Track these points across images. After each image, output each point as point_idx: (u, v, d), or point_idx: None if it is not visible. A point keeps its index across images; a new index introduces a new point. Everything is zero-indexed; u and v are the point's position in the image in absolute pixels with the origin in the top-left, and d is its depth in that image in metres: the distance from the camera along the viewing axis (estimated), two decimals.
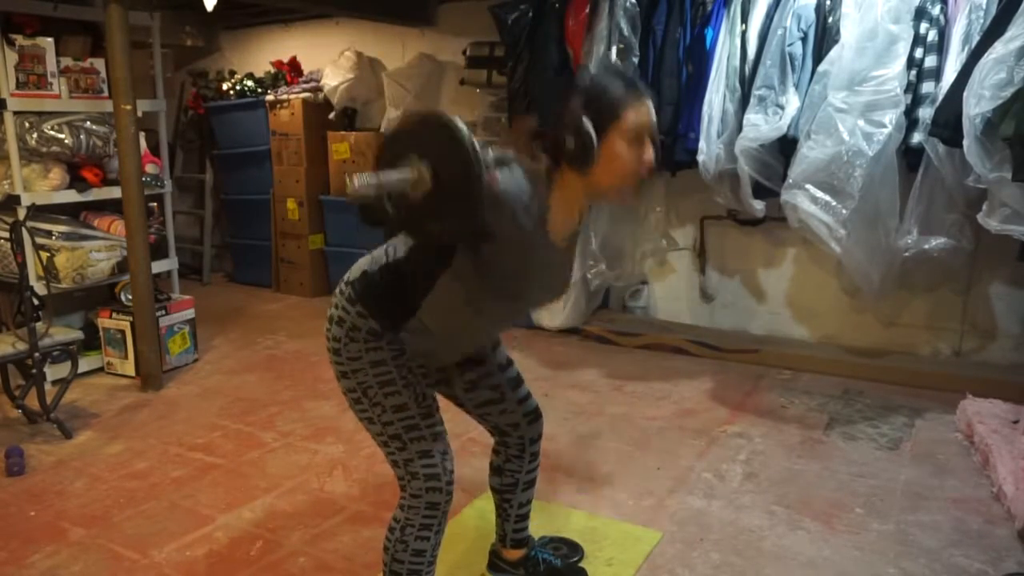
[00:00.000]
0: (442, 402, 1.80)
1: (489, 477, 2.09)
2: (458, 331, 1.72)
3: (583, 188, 1.58)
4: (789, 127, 3.26)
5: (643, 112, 1.55)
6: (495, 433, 2.03)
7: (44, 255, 3.48)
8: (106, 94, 3.77)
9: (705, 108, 3.50)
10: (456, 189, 1.28)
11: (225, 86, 5.70)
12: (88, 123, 3.72)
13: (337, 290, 1.70)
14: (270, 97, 5.37)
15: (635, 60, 3.62)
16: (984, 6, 2.94)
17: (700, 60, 3.55)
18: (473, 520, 2.44)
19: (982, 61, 2.72)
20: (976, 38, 2.92)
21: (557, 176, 1.57)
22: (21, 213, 3.43)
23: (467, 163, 1.27)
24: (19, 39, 3.48)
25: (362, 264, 1.69)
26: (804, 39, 3.29)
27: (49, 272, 3.52)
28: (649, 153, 1.56)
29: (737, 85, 3.45)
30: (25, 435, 3.14)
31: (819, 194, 3.14)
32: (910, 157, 3.23)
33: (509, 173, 1.45)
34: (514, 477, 2.05)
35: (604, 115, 1.50)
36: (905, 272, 3.48)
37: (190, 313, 4.04)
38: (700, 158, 3.51)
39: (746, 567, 2.19)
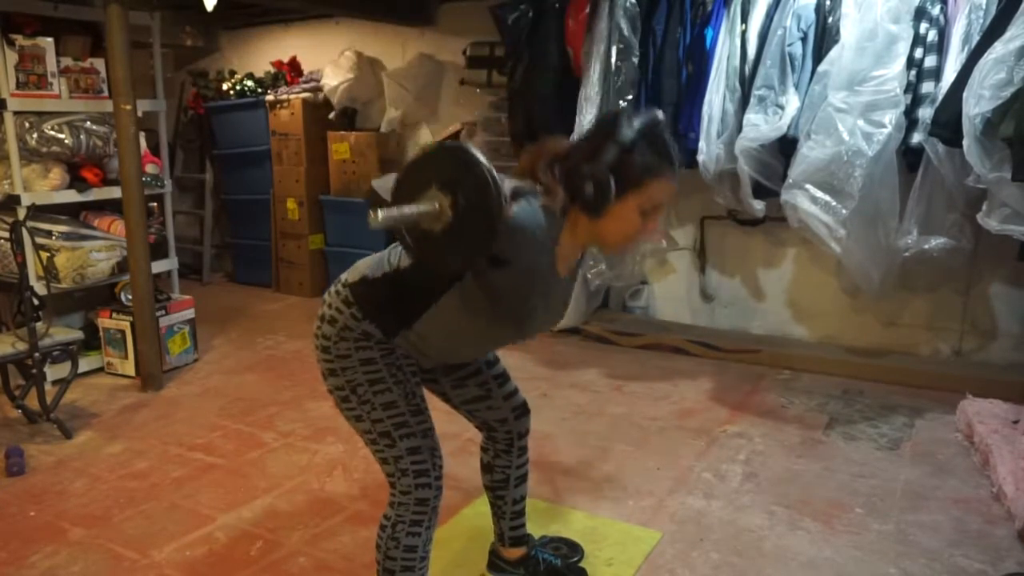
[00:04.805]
0: (431, 401, 1.80)
1: (481, 475, 2.10)
2: (455, 346, 1.74)
3: (587, 231, 1.59)
4: (789, 127, 3.26)
5: (666, 189, 1.55)
6: (483, 429, 2.04)
7: (44, 255, 3.48)
8: (106, 94, 3.77)
9: (705, 108, 3.50)
10: (476, 224, 1.29)
11: (225, 86, 5.70)
12: (88, 123, 3.72)
13: (332, 289, 1.70)
14: (270, 97, 5.37)
15: (635, 60, 3.63)
16: (984, 6, 2.94)
17: (700, 60, 3.55)
18: (472, 520, 2.44)
19: (982, 61, 2.72)
20: (976, 38, 2.92)
21: (569, 214, 1.57)
22: (21, 213, 3.43)
23: (488, 199, 1.27)
24: (19, 39, 3.48)
25: (362, 268, 1.69)
26: (804, 39, 3.29)
27: (49, 272, 3.52)
28: (656, 225, 1.58)
29: (737, 85, 3.45)
30: (25, 435, 3.13)
31: (819, 194, 3.15)
32: (910, 157, 3.23)
33: (527, 206, 1.45)
34: (504, 473, 2.06)
35: (629, 178, 1.49)
36: (905, 272, 3.48)
37: (190, 313, 4.04)
38: (700, 158, 3.51)
39: (746, 567, 2.19)
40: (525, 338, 1.79)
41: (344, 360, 1.64)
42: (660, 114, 1.54)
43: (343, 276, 1.71)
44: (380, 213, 1.22)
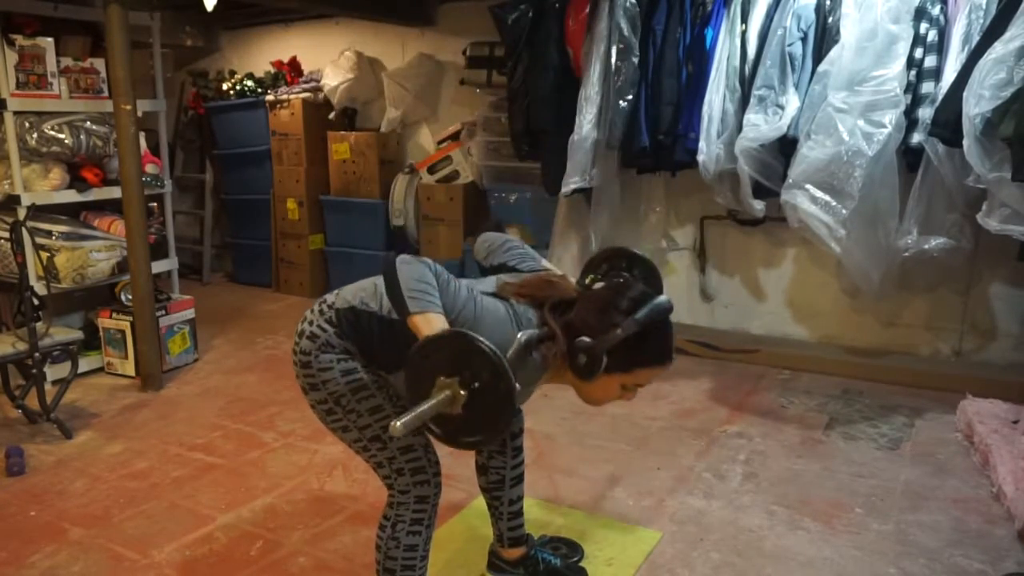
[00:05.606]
0: None
1: (476, 477, 2.10)
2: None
3: (569, 380, 1.68)
4: (789, 127, 3.26)
5: (652, 376, 1.66)
6: None
7: (44, 255, 3.48)
8: (106, 94, 3.77)
9: (705, 108, 3.49)
10: (493, 400, 1.35)
11: (225, 86, 5.69)
12: (88, 123, 3.72)
13: (316, 308, 1.69)
14: (270, 97, 5.37)
15: (635, 60, 3.63)
16: (984, 6, 2.94)
17: (700, 60, 3.55)
18: (472, 520, 2.44)
19: (982, 61, 2.72)
20: (976, 38, 2.92)
21: (562, 362, 1.62)
22: (21, 213, 3.43)
23: (507, 393, 1.33)
24: (19, 39, 3.48)
25: (350, 296, 1.68)
26: (804, 39, 3.28)
27: (49, 272, 3.52)
28: (632, 396, 1.69)
29: (737, 85, 3.44)
30: (25, 435, 3.14)
31: (819, 194, 3.14)
32: (910, 157, 3.23)
33: (530, 363, 1.56)
34: (499, 474, 2.05)
35: (622, 361, 1.58)
36: (905, 272, 3.48)
37: (190, 313, 4.04)
38: (700, 158, 3.50)
39: (746, 567, 2.19)
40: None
41: (325, 372, 1.63)
42: (667, 303, 1.60)
43: (328, 298, 1.70)
44: (399, 423, 1.28)
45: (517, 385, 1.35)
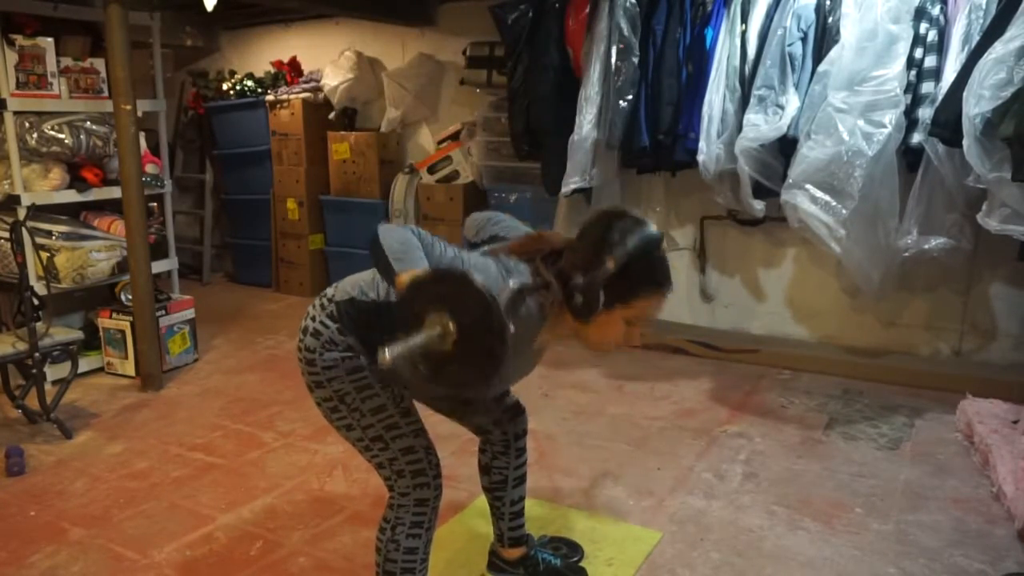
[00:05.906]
0: (422, 410, 1.80)
1: (479, 477, 2.10)
2: (424, 390, 1.80)
3: (571, 328, 1.63)
4: (789, 127, 3.26)
5: (654, 306, 1.61)
6: (478, 432, 2.04)
7: (44, 255, 3.48)
8: (106, 94, 3.78)
9: (705, 108, 3.50)
10: (483, 339, 1.33)
11: (225, 86, 5.70)
12: (88, 123, 3.72)
13: (317, 303, 1.69)
14: (270, 97, 5.37)
15: (635, 60, 3.63)
16: (984, 6, 2.94)
17: (700, 60, 3.55)
18: (472, 520, 2.44)
19: (982, 61, 2.72)
20: (976, 38, 2.92)
21: (557, 310, 1.60)
22: (21, 213, 3.43)
23: (499, 330, 1.31)
24: (19, 39, 3.48)
25: (349, 288, 1.68)
26: (804, 39, 3.29)
27: (49, 272, 3.52)
28: (638, 334, 1.64)
29: (737, 85, 3.44)
30: (25, 435, 3.14)
31: (819, 194, 3.14)
32: (910, 157, 3.23)
33: (527, 311, 1.53)
34: (502, 474, 2.05)
35: (619, 295, 1.54)
36: (905, 272, 3.48)
37: (190, 313, 4.04)
38: (700, 158, 3.51)
39: (746, 567, 2.19)
40: (492, 393, 1.92)
41: (330, 371, 1.63)
42: (657, 232, 1.57)
43: (328, 291, 1.71)
44: (388, 352, 1.26)
45: (511, 326, 1.33)
